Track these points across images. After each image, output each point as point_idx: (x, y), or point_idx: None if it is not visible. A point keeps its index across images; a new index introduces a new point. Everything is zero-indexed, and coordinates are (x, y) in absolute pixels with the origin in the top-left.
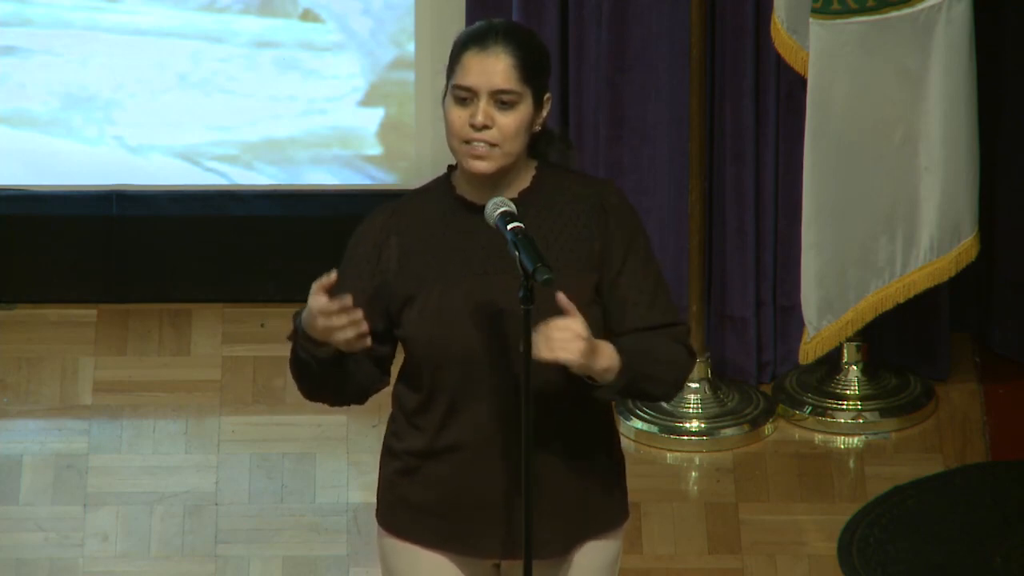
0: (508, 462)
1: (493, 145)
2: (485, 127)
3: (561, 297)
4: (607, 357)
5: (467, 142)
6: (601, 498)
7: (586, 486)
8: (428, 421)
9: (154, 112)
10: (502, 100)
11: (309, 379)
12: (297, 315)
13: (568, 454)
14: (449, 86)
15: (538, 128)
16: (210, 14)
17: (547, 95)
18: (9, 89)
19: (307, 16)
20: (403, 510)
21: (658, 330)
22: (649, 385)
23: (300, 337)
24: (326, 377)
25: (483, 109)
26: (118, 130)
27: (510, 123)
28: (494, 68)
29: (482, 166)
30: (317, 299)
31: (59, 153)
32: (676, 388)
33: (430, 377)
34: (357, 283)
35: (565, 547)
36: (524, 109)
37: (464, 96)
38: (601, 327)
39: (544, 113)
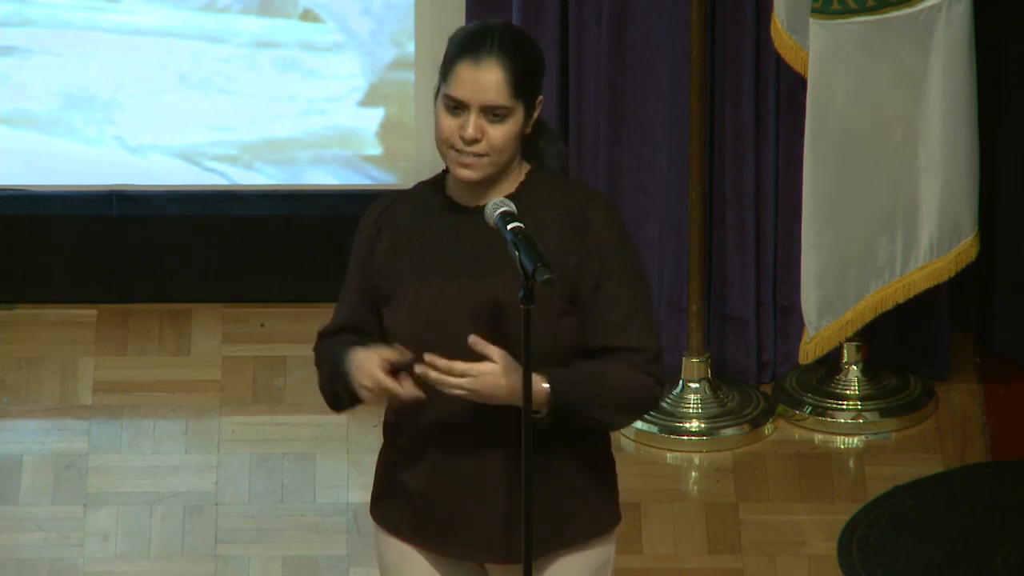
0: (481, 463)
1: (482, 155)
2: (475, 140)
3: (474, 340)
4: (535, 399)
5: (456, 150)
6: (586, 503)
7: (570, 491)
8: (406, 418)
9: (154, 112)
10: (493, 113)
11: (342, 404)
12: (339, 356)
13: (553, 458)
14: (441, 89)
15: (528, 131)
16: (210, 14)
17: (539, 99)
18: (9, 89)
19: (307, 16)
20: (389, 504)
21: (623, 354)
22: (590, 416)
23: (343, 382)
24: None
25: (474, 123)
26: (118, 130)
27: (500, 135)
28: (486, 83)
29: (469, 174)
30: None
31: (59, 153)
32: (628, 416)
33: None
34: (356, 274)
35: (543, 551)
36: (515, 120)
37: (454, 106)
38: (574, 338)
39: (535, 115)
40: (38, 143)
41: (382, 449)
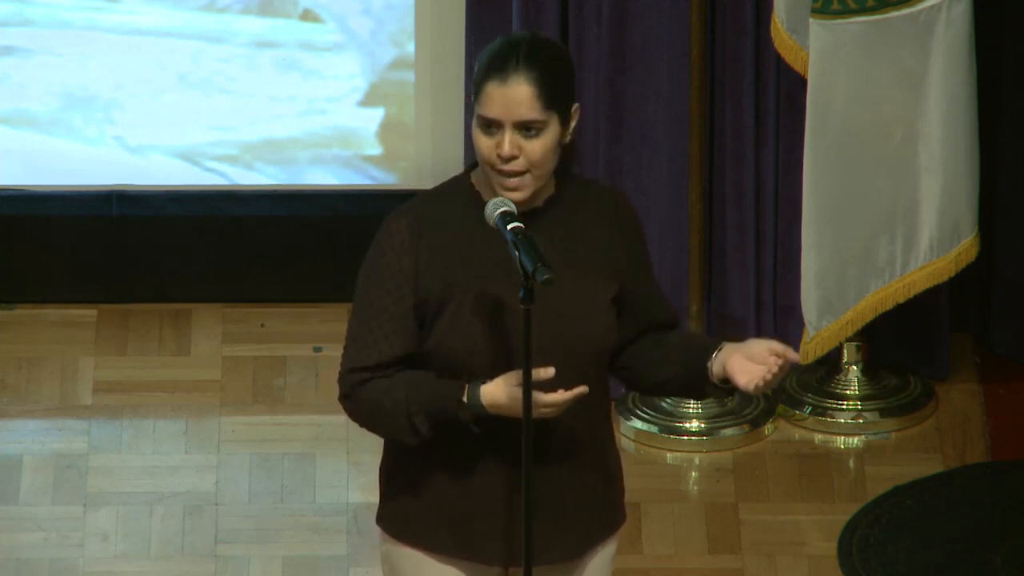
0: (517, 470)
1: (524, 172)
2: (512, 157)
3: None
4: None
5: (498, 171)
6: (608, 502)
7: (595, 491)
8: (448, 430)
9: (154, 112)
10: (527, 128)
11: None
12: (457, 402)
13: (579, 460)
14: (475, 110)
15: (568, 139)
16: (210, 14)
17: (574, 107)
18: (9, 89)
19: (307, 16)
20: (415, 518)
21: (674, 326)
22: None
23: (469, 415)
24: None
25: (509, 140)
26: (118, 130)
27: (537, 149)
28: (516, 99)
29: (516, 196)
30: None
31: (59, 153)
32: None
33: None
34: (402, 295)
35: (576, 553)
36: (551, 132)
37: (488, 125)
38: (615, 330)
39: (573, 124)
40: (38, 143)
41: (397, 463)
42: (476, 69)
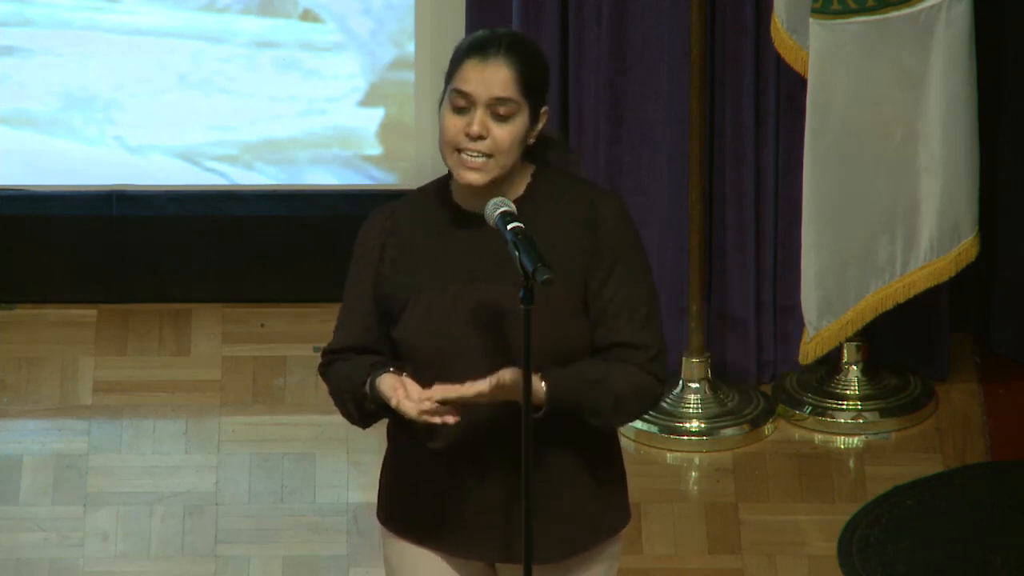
0: (501, 466)
1: (487, 156)
2: (480, 137)
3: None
4: (534, 398)
5: (460, 151)
6: (602, 504)
7: (587, 492)
8: (421, 424)
9: (154, 112)
10: (499, 112)
11: (370, 420)
12: (371, 386)
13: (569, 460)
14: (447, 92)
15: (531, 141)
16: (210, 14)
17: (544, 109)
18: (9, 89)
19: (307, 16)
20: (400, 508)
21: (626, 351)
22: (586, 419)
23: (380, 406)
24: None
25: (479, 119)
26: (118, 130)
27: (505, 135)
28: (494, 77)
29: (474, 177)
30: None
31: (59, 153)
32: (627, 416)
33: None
34: (366, 288)
35: (565, 553)
36: (520, 122)
37: (461, 104)
38: (588, 340)
39: (539, 126)
40: (38, 143)
41: (389, 454)
42: (454, 54)
